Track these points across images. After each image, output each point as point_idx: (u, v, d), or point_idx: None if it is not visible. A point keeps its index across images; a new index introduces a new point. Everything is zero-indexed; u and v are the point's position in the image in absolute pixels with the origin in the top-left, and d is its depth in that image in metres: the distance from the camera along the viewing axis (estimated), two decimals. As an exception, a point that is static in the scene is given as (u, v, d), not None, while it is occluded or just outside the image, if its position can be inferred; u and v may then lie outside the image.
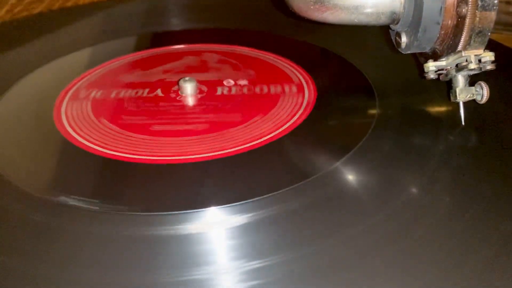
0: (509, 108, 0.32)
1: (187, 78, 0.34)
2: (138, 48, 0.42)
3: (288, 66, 0.38)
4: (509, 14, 0.60)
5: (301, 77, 0.36)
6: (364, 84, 0.35)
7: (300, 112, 0.32)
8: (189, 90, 0.34)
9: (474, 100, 0.29)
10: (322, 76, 0.36)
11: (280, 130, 0.30)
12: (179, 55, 0.41)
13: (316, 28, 0.42)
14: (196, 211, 0.24)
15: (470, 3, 0.25)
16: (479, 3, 0.25)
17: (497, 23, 0.69)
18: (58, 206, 0.25)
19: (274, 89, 0.35)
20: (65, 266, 0.22)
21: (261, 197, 0.25)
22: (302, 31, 0.43)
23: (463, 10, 0.26)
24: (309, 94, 0.34)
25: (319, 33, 0.43)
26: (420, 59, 0.31)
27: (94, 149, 0.29)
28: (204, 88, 0.35)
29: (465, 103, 0.30)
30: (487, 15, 0.25)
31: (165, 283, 0.21)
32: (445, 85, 0.32)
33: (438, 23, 0.27)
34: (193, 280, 0.21)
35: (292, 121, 0.31)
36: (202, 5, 0.51)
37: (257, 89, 0.35)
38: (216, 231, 0.24)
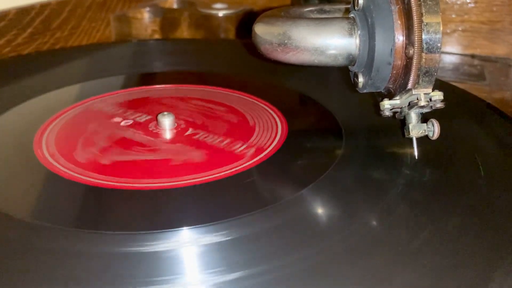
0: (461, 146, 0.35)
1: (165, 113, 0.36)
2: (120, 87, 0.45)
3: (265, 107, 0.41)
4: (473, 66, 0.64)
5: (275, 117, 0.39)
6: (333, 124, 0.38)
7: (271, 146, 0.35)
8: (166, 124, 0.36)
9: (427, 137, 0.32)
10: (294, 117, 0.39)
11: (250, 162, 0.33)
12: (159, 94, 0.43)
13: (292, 74, 0.46)
14: (168, 231, 0.26)
15: (416, 45, 0.28)
16: (424, 45, 0.28)
17: (462, 73, 0.72)
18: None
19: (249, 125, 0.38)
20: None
21: (232, 218, 0.27)
22: (280, 76, 0.47)
23: (410, 51, 0.29)
24: (281, 132, 0.37)
25: (296, 78, 0.46)
26: (377, 98, 0.33)
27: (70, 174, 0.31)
28: (182, 123, 0.37)
29: (418, 140, 0.33)
30: (432, 57, 0.28)
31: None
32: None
33: (390, 64, 0.30)
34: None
35: (262, 154, 0.34)
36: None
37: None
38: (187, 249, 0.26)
